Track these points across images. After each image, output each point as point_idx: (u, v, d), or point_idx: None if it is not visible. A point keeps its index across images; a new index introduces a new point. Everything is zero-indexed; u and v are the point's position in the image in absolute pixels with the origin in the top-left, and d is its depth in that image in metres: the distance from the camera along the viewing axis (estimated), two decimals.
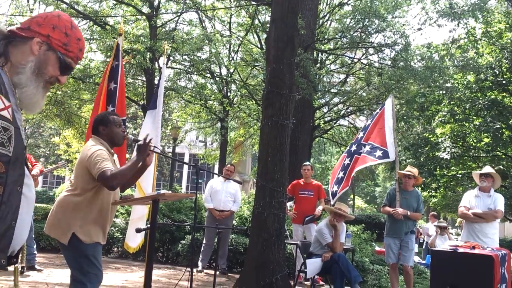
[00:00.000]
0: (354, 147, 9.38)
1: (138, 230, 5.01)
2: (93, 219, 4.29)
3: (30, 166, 7.50)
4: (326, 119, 22.21)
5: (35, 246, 8.60)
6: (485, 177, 7.69)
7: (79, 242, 4.21)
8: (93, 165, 4.18)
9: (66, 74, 2.17)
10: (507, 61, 19.11)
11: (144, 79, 21.09)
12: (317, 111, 21.15)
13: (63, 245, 4.26)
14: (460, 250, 6.37)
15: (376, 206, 54.84)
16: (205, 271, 9.77)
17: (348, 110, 21.62)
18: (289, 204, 10.51)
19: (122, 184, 4.34)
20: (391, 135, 8.90)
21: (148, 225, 4.64)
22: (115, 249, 11.46)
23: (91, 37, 20.32)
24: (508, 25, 20.29)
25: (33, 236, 8.54)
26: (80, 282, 4.25)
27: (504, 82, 19.56)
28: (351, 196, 55.05)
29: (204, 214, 10.60)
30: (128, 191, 27.25)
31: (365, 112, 21.26)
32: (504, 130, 19.14)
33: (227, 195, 9.98)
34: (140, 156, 4.24)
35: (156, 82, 17.81)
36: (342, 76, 22.76)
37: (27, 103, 2.09)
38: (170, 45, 18.07)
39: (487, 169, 8.01)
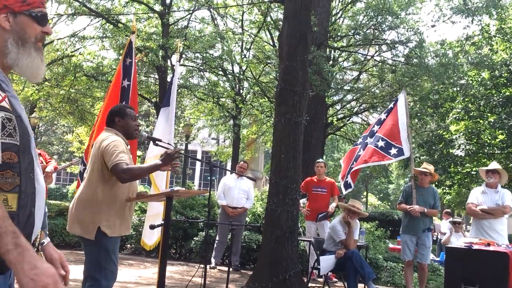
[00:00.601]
0: (368, 139, 9.30)
1: (152, 227, 5.02)
2: (117, 211, 4.32)
3: (44, 163, 7.55)
4: (339, 116, 22.16)
5: None
6: (492, 173, 7.63)
7: (104, 236, 4.24)
8: (109, 155, 4.21)
9: (45, 23, 2.10)
10: None
11: (156, 76, 21.15)
12: (330, 108, 21.10)
13: (87, 241, 4.27)
14: (475, 247, 6.33)
15: (389, 203, 54.71)
16: (218, 267, 9.79)
17: (361, 107, 21.56)
18: (302, 201, 10.50)
19: (132, 181, 4.35)
20: (405, 131, 8.85)
21: (162, 222, 4.66)
22: (129, 245, 11.53)
23: (104, 35, 20.40)
24: None
25: (47, 232, 8.57)
26: (94, 279, 4.28)
27: None
28: (364, 193, 54.92)
29: (217, 211, 10.62)
30: (141, 188, 27.39)
31: (378, 109, 21.17)
32: None
33: (240, 192, 9.99)
34: (164, 164, 4.26)
35: (168, 79, 17.87)
36: (355, 73, 22.71)
37: (29, 74, 2.05)
38: (182, 42, 18.10)
39: (494, 165, 7.95)
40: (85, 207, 4.30)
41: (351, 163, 9.40)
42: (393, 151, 8.85)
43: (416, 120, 18.18)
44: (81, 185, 4.51)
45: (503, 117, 18.26)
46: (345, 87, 20.13)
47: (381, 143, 9.03)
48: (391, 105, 9.51)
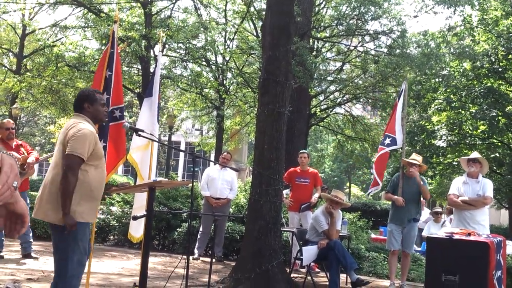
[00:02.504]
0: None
1: (134, 218, 5.02)
2: (87, 197, 4.31)
3: (26, 154, 7.48)
4: (322, 107, 22.20)
5: (31, 234, 8.62)
6: (473, 163, 7.65)
7: (78, 223, 4.23)
8: (72, 141, 4.21)
9: None
10: (503, 49, 19.14)
11: (139, 67, 21.03)
12: (314, 99, 21.12)
13: (58, 227, 4.25)
14: (456, 237, 6.37)
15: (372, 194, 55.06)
16: (201, 258, 9.78)
17: (345, 98, 21.61)
18: (286, 191, 10.52)
19: (64, 182, 4.23)
20: (400, 121, 8.87)
21: (145, 213, 4.65)
22: (111, 237, 11.48)
23: (86, 25, 20.23)
24: (504, 12, 20.29)
25: (29, 224, 8.53)
26: (64, 268, 4.27)
27: (500, 69, 19.60)
28: (347, 184, 55.18)
29: (201, 202, 10.61)
30: (125, 179, 27.13)
31: (361, 100, 21.27)
32: (500, 117, 19.19)
33: (224, 183, 9.98)
34: (66, 220, 4.16)
35: (151, 70, 17.78)
36: (338, 64, 22.74)
37: None
38: (165, 32, 17.99)
39: (475, 154, 8.00)
40: (57, 191, 4.26)
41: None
42: (387, 141, 8.86)
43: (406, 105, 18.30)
44: (49, 170, 4.45)
45: (484, 107, 18.44)
46: (328, 78, 20.18)
47: (384, 140, 9.03)
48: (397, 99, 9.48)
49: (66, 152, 4.21)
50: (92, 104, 4.53)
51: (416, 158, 8.47)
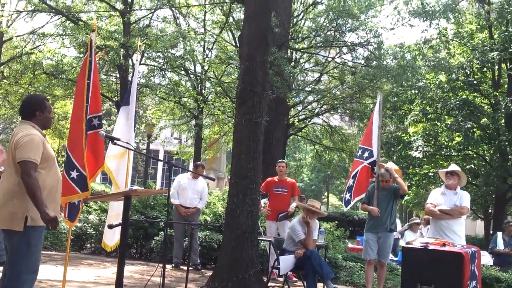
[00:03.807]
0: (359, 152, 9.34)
1: (110, 226, 5.02)
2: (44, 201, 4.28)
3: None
4: (300, 117, 22.29)
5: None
6: (451, 175, 7.80)
7: (28, 227, 4.24)
8: (21, 148, 4.24)
9: None
10: (478, 62, 19.45)
11: (117, 75, 20.94)
12: (292, 109, 21.20)
13: (14, 233, 4.26)
14: (431, 247, 6.45)
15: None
16: (181, 267, 9.77)
17: (322, 109, 21.73)
18: (264, 201, 10.56)
19: (26, 189, 4.24)
20: (376, 133, 8.96)
21: (120, 221, 4.65)
22: (88, 245, 11.41)
23: (64, 33, 20.12)
24: (479, 26, 20.63)
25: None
26: (16, 273, 4.27)
27: (475, 82, 19.92)
28: (325, 193, 55.33)
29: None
30: (103, 187, 26.97)
31: (339, 110, 21.42)
32: (475, 129, 19.48)
33: (194, 192, 10.03)
34: (44, 218, 4.18)
35: (129, 78, 17.72)
36: (316, 75, 22.87)
37: None
38: (144, 42, 17.97)
39: (453, 167, 8.13)
40: (12, 197, 4.29)
41: (349, 179, 9.32)
42: (366, 154, 8.95)
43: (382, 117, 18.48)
44: (1, 179, 4.49)
45: (460, 119, 18.70)
46: (306, 89, 20.29)
47: (359, 152, 9.13)
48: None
49: (18, 161, 4.23)
50: (43, 112, 4.58)
51: (393, 168, 8.55)
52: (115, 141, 5.02)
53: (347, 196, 9.18)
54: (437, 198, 7.80)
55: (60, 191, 4.63)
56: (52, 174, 4.44)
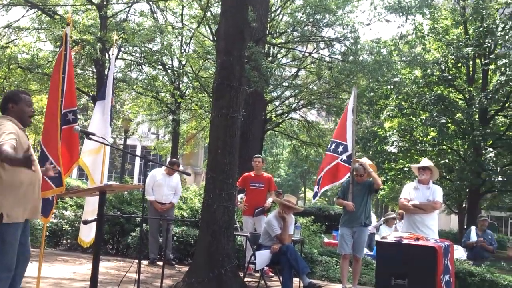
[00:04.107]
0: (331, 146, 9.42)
1: (85, 222, 4.99)
2: (11, 197, 4.27)
3: None
4: (278, 112, 22.36)
5: None
6: (424, 170, 7.88)
7: (2, 224, 4.21)
8: None
9: None
10: (453, 57, 19.67)
11: (94, 70, 20.78)
12: (269, 104, 21.26)
13: None
14: (405, 241, 6.49)
15: (326, 199, 55.49)
16: (157, 262, 9.75)
17: (300, 104, 21.81)
18: (240, 196, 10.57)
19: (4, 162, 4.16)
20: (350, 128, 9.03)
21: (95, 217, 4.63)
22: (64, 241, 11.31)
23: (40, 27, 19.90)
24: (454, 22, 20.86)
25: None
26: None
27: (450, 77, 20.14)
28: (302, 188, 55.56)
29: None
30: (79, 183, 26.73)
31: (316, 105, 21.51)
32: (449, 124, 19.72)
33: (169, 188, 10.03)
34: (23, 164, 4.03)
35: (106, 73, 17.59)
36: (294, 70, 22.94)
37: None
38: (120, 36, 17.85)
39: (425, 162, 8.21)
40: None
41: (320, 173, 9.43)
42: (340, 148, 9.02)
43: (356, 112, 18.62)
44: None
45: (434, 114, 18.91)
46: (284, 84, 20.35)
47: (332, 146, 9.19)
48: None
49: None
50: (17, 104, 4.52)
51: (357, 166, 8.61)
52: (90, 136, 4.98)
53: (315, 188, 9.35)
54: (410, 193, 7.89)
55: (39, 189, 4.55)
56: (22, 171, 4.31)
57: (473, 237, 12.16)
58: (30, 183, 4.38)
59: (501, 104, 19.96)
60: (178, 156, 10.78)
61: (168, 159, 28.32)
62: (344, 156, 9.02)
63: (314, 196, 9.80)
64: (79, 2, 19.72)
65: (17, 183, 4.27)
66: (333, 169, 9.10)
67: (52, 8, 19.21)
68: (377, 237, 12.47)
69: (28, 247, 4.69)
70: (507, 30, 18.91)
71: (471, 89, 20.33)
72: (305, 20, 17.44)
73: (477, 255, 11.86)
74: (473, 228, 12.47)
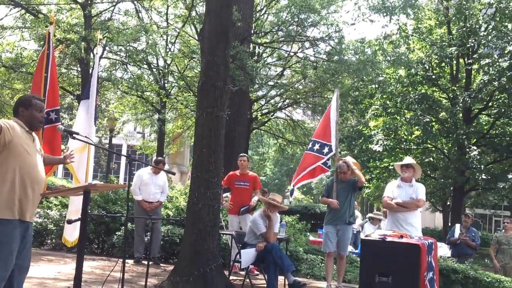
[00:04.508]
0: (309, 145, 9.50)
1: (69, 222, 4.99)
2: (5, 194, 4.25)
3: None
4: (263, 111, 22.41)
5: None
6: (406, 168, 7.97)
7: None
8: None
9: None
10: (436, 57, 19.84)
11: (79, 69, 20.69)
12: (255, 103, 21.31)
13: None
14: (389, 239, 6.54)
15: (312, 197, 55.62)
16: (142, 262, 9.74)
17: (285, 103, 21.89)
18: (226, 194, 10.59)
19: None
20: (334, 128, 9.10)
21: (79, 217, 4.64)
22: (49, 241, 11.26)
23: (23, 26, 19.78)
24: (438, 22, 21.03)
25: None
26: None
27: (433, 77, 20.32)
28: (288, 187, 55.60)
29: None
30: (64, 182, 26.57)
31: (302, 104, 21.61)
32: (433, 123, 19.89)
33: (157, 187, 10.01)
34: None
35: (91, 72, 17.53)
36: (279, 69, 23.02)
37: None
38: (105, 35, 17.79)
39: (408, 160, 8.29)
40: None
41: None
42: (326, 149, 9.08)
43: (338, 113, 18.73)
44: None
45: (419, 113, 19.07)
46: (269, 83, 20.40)
47: (316, 146, 9.23)
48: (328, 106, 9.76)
49: None
50: (27, 109, 4.51)
51: (341, 164, 8.68)
52: (74, 135, 4.98)
53: (291, 186, 9.54)
54: (393, 191, 7.96)
55: (35, 190, 4.44)
56: (20, 167, 4.32)
57: (457, 234, 12.27)
58: (22, 180, 4.34)
59: (485, 103, 20.15)
60: (164, 155, 10.76)
61: (154, 158, 28.27)
62: (327, 157, 9.11)
63: (291, 194, 10.14)
64: (63, 1, 19.62)
65: (7, 179, 4.25)
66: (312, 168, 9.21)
67: (36, 7, 19.10)
68: (362, 235, 12.56)
69: (24, 256, 4.51)
70: (490, 30, 19.12)
71: (455, 88, 20.51)
72: (290, 19, 17.50)
73: (461, 252, 11.96)
74: (457, 226, 12.59)
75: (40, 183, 4.52)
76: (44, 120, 4.69)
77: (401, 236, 6.63)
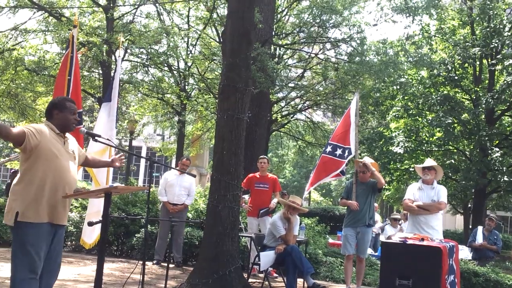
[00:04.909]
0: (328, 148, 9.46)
1: (90, 224, 5.00)
2: (33, 197, 4.28)
3: None
4: (283, 113, 22.38)
5: None
6: (428, 170, 7.85)
7: (20, 223, 4.22)
8: None
9: None
10: (459, 58, 19.63)
11: (100, 71, 20.85)
12: (275, 105, 21.29)
13: (12, 228, 4.29)
14: (409, 242, 6.49)
15: (331, 199, 55.45)
16: (161, 264, 9.76)
17: (305, 105, 21.84)
18: (246, 196, 10.57)
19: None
20: (353, 131, 9.06)
21: (100, 219, 4.65)
22: (68, 242, 11.35)
23: (46, 29, 19.98)
24: (461, 22, 20.81)
25: None
26: (12, 272, 4.26)
27: (456, 78, 20.09)
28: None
29: (159, 207, 10.58)
30: (84, 184, 26.89)
31: (322, 106, 21.53)
32: (456, 125, 19.67)
33: (181, 189, 9.96)
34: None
35: (112, 75, 17.63)
36: (300, 71, 22.95)
37: None
38: (127, 38, 17.90)
39: (429, 162, 8.19)
40: (11, 193, 4.34)
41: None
42: (346, 153, 9.04)
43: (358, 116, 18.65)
44: None
45: (440, 115, 18.87)
46: (290, 84, 20.36)
47: (338, 151, 9.18)
48: (346, 110, 9.72)
49: None
50: (61, 111, 4.54)
51: (365, 160, 8.64)
52: (96, 137, 5.01)
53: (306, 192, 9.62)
54: (415, 193, 7.87)
55: (54, 190, 4.41)
56: (43, 171, 4.33)
57: (479, 237, 12.13)
58: (52, 184, 4.37)
59: (508, 104, 19.89)
60: (183, 158, 10.73)
61: (174, 161, 28.33)
62: (346, 160, 9.11)
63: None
64: (85, 4, 19.78)
65: (35, 182, 4.29)
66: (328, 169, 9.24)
67: (59, 10, 19.28)
68: (382, 238, 12.48)
69: (53, 259, 4.52)
70: None
71: (478, 89, 20.28)
72: (311, 21, 17.45)
73: (482, 255, 11.83)
74: (479, 228, 12.44)
75: (70, 186, 4.55)
76: (77, 122, 4.72)
77: (422, 239, 6.57)
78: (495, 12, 19.20)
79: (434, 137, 20.43)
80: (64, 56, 7.86)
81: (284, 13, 20.23)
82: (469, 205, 23.98)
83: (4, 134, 4.18)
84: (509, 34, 18.95)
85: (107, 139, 5.49)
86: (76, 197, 9.32)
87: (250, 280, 8.39)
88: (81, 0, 19.83)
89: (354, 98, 9.51)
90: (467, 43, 19.71)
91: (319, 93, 20.45)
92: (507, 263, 14.31)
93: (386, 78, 17.54)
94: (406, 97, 20.51)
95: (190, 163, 10.68)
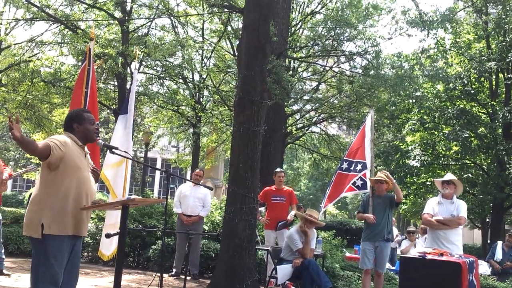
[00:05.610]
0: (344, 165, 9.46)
1: (107, 236, 4.99)
2: (58, 209, 4.28)
3: None
4: (298, 126, 22.35)
5: (3, 251, 8.51)
6: (447, 184, 7.75)
7: (45, 235, 4.21)
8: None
9: None
10: (475, 71, 19.50)
11: (116, 83, 20.97)
12: (290, 118, 21.27)
13: (32, 241, 4.27)
14: (429, 257, 6.43)
15: (347, 213, 55.15)
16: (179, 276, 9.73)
17: (320, 117, 21.80)
18: (262, 209, 10.52)
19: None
20: (368, 146, 9.04)
21: (118, 231, 4.63)
22: (85, 254, 11.36)
23: (62, 41, 20.14)
24: (476, 36, 20.70)
25: (1, 240, 8.47)
26: (33, 283, 4.24)
27: (472, 91, 19.96)
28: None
29: (175, 219, 10.57)
30: (100, 196, 26.99)
31: (337, 119, 21.48)
32: (472, 138, 19.50)
33: (196, 200, 9.95)
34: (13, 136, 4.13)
35: (128, 86, 17.73)
36: (314, 84, 22.95)
37: None
38: (142, 50, 18.00)
39: (449, 176, 8.10)
40: (32, 204, 4.32)
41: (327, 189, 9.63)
42: (359, 167, 9.01)
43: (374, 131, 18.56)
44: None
45: (457, 129, 18.73)
46: (304, 97, 20.34)
47: (359, 166, 9.16)
48: (361, 126, 9.71)
49: None
50: (81, 124, 4.56)
51: (382, 175, 8.58)
52: (113, 150, 5.01)
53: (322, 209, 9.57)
54: (434, 208, 7.77)
55: (77, 203, 4.42)
56: (67, 183, 4.35)
57: (499, 252, 11.96)
58: (76, 196, 4.38)
59: None
60: (196, 169, 10.71)
61: (189, 172, 28.34)
62: (360, 174, 9.06)
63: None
64: (101, 17, 19.94)
65: (60, 194, 4.29)
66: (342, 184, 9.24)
67: (75, 23, 19.45)
68: (398, 251, 12.36)
69: (71, 270, 4.54)
70: None
71: (494, 103, 20.12)
72: (325, 34, 17.46)
73: (502, 271, 11.67)
74: (499, 243, 12.28)
75: (92, 197, 4.59)
76: (97, 131, 4.73)
77: (441, 254, 6.51)
78: (511, 27, 19.09)
79: (451, 151, 20.26)
80: (81, 68, 7.90)
81: (299, 26, 20.27)
82: (487, 220, 23.72)
83: (32, 149, 4.20)
84: None
85: (124, 151, 5.49)
86: (94, 209, 9.36)
87: None
88: (96, 13, 19.99)
89: (369, 114, 9.48)
90: (482, 57, 19.59)
91: (334, 106, 20.42)
92: None
93: (401, 92, 17.47)
94: (422, 111, 20.39)
95: (203, 174, 10.67)
